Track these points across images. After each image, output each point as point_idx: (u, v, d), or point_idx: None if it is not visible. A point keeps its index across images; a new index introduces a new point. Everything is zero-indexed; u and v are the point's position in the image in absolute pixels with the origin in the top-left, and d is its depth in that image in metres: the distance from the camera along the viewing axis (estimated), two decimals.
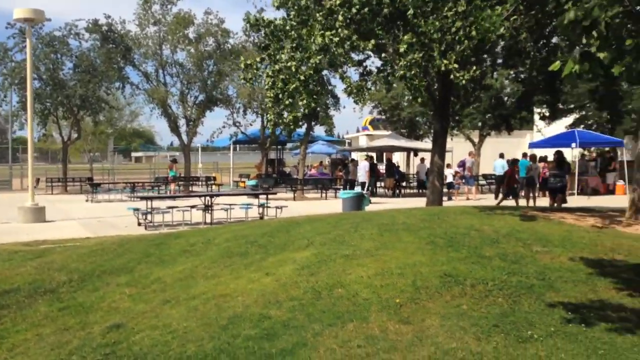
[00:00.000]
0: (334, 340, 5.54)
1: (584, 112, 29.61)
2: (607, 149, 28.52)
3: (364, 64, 15.87)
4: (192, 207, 16.63)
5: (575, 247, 8.12)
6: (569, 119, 29.97)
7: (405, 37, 11.82)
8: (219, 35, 29.64)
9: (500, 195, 18.32)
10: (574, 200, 18.17)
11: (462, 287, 6.66)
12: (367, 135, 42.41)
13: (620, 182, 24.86)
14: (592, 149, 30.31)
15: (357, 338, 5.57)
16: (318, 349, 5.39)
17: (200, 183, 32.46)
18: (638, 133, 26.40)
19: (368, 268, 7.32)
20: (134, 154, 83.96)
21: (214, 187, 30.87)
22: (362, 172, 23.29)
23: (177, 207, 16.78)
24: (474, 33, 10.12)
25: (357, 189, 23.14)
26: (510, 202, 18.30)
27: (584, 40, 4.48)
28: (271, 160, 35.75)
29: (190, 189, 29.99)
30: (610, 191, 24.92)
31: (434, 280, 6.82)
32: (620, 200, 18.35)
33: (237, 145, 41.60)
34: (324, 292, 6.71)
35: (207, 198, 17.24)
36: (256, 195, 19.49)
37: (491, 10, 8.59)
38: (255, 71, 14.22)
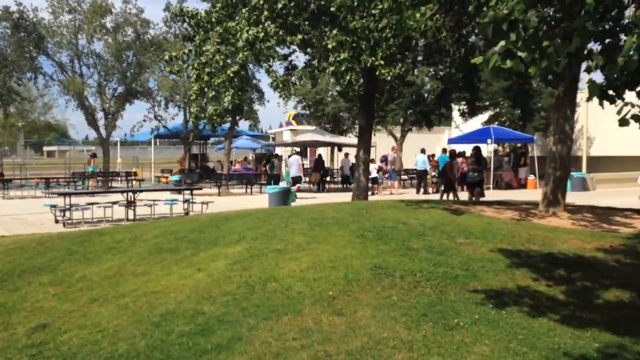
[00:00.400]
0: (269, 334, 5.59)
1: (498, 110, 31.00)
2: (519, 145, 29.98)
3: (290, 59, 15.97)
4: (114, 203, 16.12)
5: (495, 238, 8.55)
6: (484, 116, 31.27)
7: (334, 33, 11.99)
8: (138, 26, 28.74)
9: (442, 188, 18.82)
10: (491, 194, 19.03)
11: (392, 278, 6.88)
12: (291, 130, 42.51)
13: (531, 177, 26.24)
14: (506, 144, 31.77)
15: (291, 331, 5.64)
16: (253, 342, 5.43)
17: (119, 179, 31.45)
18: (547, 130, 27.94)
19: (300, 262, 7.40)
20: (46, 148, 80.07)
21: (134, 182, 30.00)
22: (296, 167, 23.29)
23: (97, 203, 16.22)
24: (399, 31, 10.41)
25: (282, 184, 23.20)
26: (434, 196, 18.94)
27: (503, 42, 4.73)
28: (194, 155, 35.15)
29: (110, 185, 29.01)
30: (523, 185, 26.25)
31: (365, 273, 7.00)
32: (532, 193, 19.39)
33: (158, 140, 40.58)
34: (258, 286, 6.74)
35: (130, 194, 16.77)
36: (180, 191, 19.14)
37: (415, 9, 8.89)
38: (181, 64, 13.98)
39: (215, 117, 13.76)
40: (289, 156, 26.02)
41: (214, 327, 5.75)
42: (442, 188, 18.92)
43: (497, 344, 5.36)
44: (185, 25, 17.74)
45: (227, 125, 27.41)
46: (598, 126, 27.63)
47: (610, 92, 4.40)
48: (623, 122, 4.26)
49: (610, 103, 4.41)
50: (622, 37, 4.65)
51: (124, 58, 29.02)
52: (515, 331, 5.63)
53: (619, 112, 4.17)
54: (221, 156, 33.53)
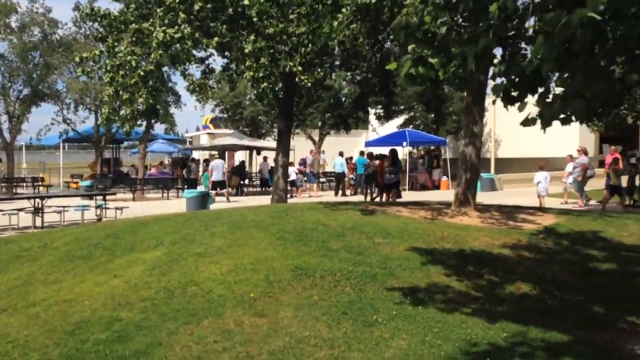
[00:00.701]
0: (189, 338, 5.53)
1: (412, 113, 31.98)
2: (432, 147, 31.06)
3: (207, 62, 15.80)
4: (20, 210, 15.29)
5: (411, 237, 8.85)
6: (400, 120, 32.17)
7: (251, 37, 11.98)
8: (45, 25, 27.42)
9: (377, 190, 19.03)
10: (406, 195, 19.60)
11: (313, 279, 6.98)
12: (208, 133, 41.92)
13: (444, 178, 27.24)
14: (420, 147, 32.83)
15: (213, 334, 5.61)
16: (174, 347, 5.35)
17: (25, 184, 29.82)
18: (458, 133, 29.13)
19: (221, 265, 7.36)
20: None
21: (41, 188, 28.55)
22: (220, 171, 22.88)
23: (1, 210, 15.33)
24: (317, 37, 10.55)
25: (200, 188, 22.85)
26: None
27: (414, 46, 4.94)
28: (106, 159, 33.92)
29: (15, 191, 27.46)
30: (436, 186, 27.19)
31: (285, 274, 7.05)
32: (445, 194, 20.13)
33: (67, 144, 38.83)
34: (177, 290, 6.64)
35: (37, 200, 15.97)
36: (92, 197, 18.43)
37: (332, 17, 9.05)
38: (93, 65, 13.49)
39: (129, 119, 13.37)
40: (205, 160, 25.57)
41: (132, 334, 5.62)
42: (374, 190, 19.18)
43: (414, 338, 5.56)
44: (96, 25, 17.15)
45: (142, 128, 26.65)
46: (504, 129, 29.13)
47: (514, 94, 4.69)
48: (526, 123, 4.54)
49: (512, 104, 4.70)
50: (523, 44, 4.97)
51: (30, 59, 27.56)
52: (431, 325, 5.87)
53: (521, 109, 4.45)
54: (135, 160, 32.55)
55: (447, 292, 6.89)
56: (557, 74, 4.18)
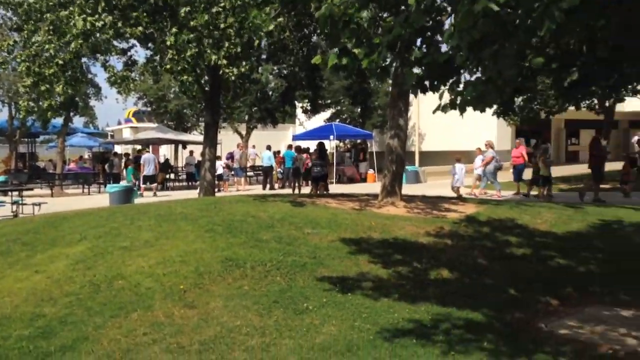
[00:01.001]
0: (117, 331, 5.43)
1: (339, 107, 32.33)
2: (358, 141, 31.55)
3: (129, 54, 15.36)
4: None
5: (340, 227, 9.01)
6: (327, 114, 32.46)
7: (173, 29, 11.76)
8: None
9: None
10: (334, 188, 19.82)
11: (243, 269, 7.00)
12: (131, 127, 40.75)
13: (371, 171, 27.75)
14: (347, 141, 33.28)
15: (142, 326, 5.54)
16: (101, 341, 5.25)
17: None
18: (384, 127, 29.69)
19: (149, 258, 7.24)
20: None
21: None
22: (152, 165, 22.17)
23: None
24: (244, 30, 10.48)
25: (123, 182, 22.20)
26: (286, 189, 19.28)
27: (338, 37, 5.06)
28: (21, 154, 32.33)
29: None
30: (363, 179, 27.64)
31: (215, 265, 7.04)
32: (372, 187, 20.51)
33: None
34: (103, 285, 6.49)
35: None
36: (6, 192, 17.54)
37: (259, 9, 9.04)
38: (6, 55, 12.84)
39: (49, 112, 12.83)
40: (125, 155, 24.77)
41: (56, 329, 5.46)
42: (302, 183, 19.21)
43: (344, 323, 5.71)
44: (10, 14, 16.31)
45: (60, 121, 25.57)
46: (429, 124, 30.01)
47: (426, 83, 4.88)
48: (440, 109, 4.71)
49: (423, 92, 4.89)
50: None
51: None
52: (360, 311, 6.04)
53: (440, 97, 4.65)
54: (53, 155, 31.19)
55: (375, 280, 7.09)
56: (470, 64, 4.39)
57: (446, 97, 4.68)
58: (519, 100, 12.96)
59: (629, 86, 13.44)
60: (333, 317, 5.87)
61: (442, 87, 4.72)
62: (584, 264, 8.08)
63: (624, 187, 16.39)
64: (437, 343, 5.23)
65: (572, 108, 20.43)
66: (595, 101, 20.44)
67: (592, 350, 5.20)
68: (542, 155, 16.00)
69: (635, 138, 18.82)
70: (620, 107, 24.32)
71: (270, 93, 26.95)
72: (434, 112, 4.62)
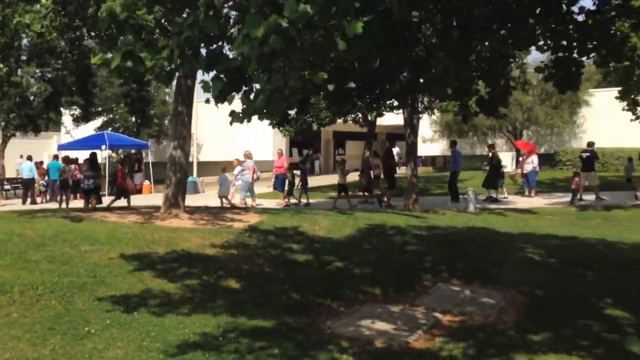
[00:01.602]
0: None
1: (112, 116, 30.69)
2: (133, 151, 30.26)
3: None
4: None
5: (121, 242, 8.55)
6: (98, 122, 30.58)
7: None
8: None
9: (113, 197, 17.20)
10: (106, 200, 18.70)
11: (10, 295, 6.28)
12: None
13: (146, 182, 26.78)
14: (120, 150, 31.69)
15: None
16: None
17: None
18: (161, 137, 28.96)
19: None
20: None
21: None
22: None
23: None
24: (7, 29, 9.37)
25: None
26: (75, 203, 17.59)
27: (122, 39, 4.83)
28: None
29: None
30: (139, 191, 26.56)
31: None
32: (148, 198, 19.78)
33: None
34: None
35: None
36: None
37: (29, 5, 8.18)
38: None
39: None
40: None
41: None
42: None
43: (131, 345, 5.43)
44: None
45: None
46: (206, 133, 30.05)
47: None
48: (232, 116, 4.73)
49: (221, 102, 4.92)
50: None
51: None
52: (148, 330, 5.80)
53: (229, 103, 4.70)
54: None
55: (162, 295, 6.88)
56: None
57: (237, 106, 4.71)
58: (292, 112, 13.63)
59: (388, 102, 15.06)
60: (118, 339, 5.55)
61: (236, 96, 4.76)
62: (358, 266, 8.78)
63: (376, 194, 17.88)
64: (227, 354, 5.25)
65: (340, 121, 22.22)
66: (360, 115, 22.41)
67: (370, 345, 5.67)
68: (341, 165, 17.12)
69: (396, 150, 20.97)
70: (380, 121, 27.06)
71: (32, 98, 24.52)
72: (231, 123, 4.63)
